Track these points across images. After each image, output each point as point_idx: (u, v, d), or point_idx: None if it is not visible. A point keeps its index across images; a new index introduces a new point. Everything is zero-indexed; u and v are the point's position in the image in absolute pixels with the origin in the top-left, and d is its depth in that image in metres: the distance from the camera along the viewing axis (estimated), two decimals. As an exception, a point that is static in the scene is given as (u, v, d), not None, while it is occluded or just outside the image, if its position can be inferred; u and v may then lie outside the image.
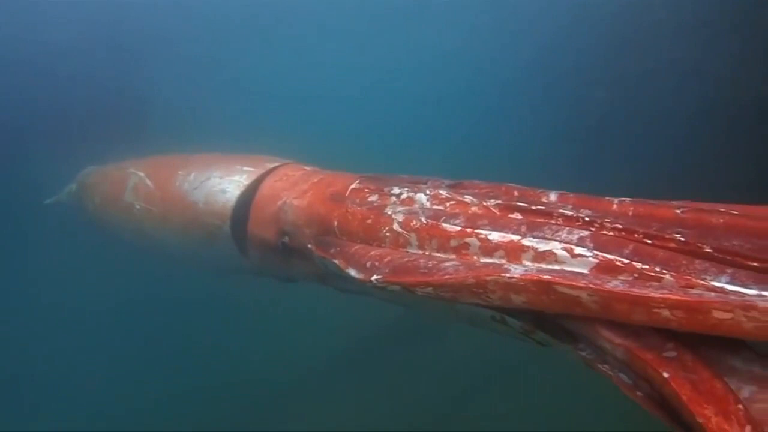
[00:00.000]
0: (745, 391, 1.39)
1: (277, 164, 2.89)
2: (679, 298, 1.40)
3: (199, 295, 4.23)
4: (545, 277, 1.59)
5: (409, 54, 6.75)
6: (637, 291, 1.46)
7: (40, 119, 5.30)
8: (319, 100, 6.48)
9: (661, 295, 1.42)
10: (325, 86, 6.66)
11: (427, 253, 2.02)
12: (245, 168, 2.88)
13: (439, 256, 1.97)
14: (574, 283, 1.54)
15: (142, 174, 3.32)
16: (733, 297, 1.38)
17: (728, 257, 1.54)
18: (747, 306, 1.32)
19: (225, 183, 2.86)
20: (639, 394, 1.50)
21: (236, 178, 2.85)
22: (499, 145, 5.88)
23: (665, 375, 1.40)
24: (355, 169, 2.65)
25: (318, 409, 4.04)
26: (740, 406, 1.31)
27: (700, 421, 1.29)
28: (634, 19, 5.96)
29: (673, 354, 1.44)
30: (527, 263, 1.77)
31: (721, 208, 1.71)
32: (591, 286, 1.52)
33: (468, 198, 2.13)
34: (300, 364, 4.28)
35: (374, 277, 1.99)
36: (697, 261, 1.55)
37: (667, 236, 1.65)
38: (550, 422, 3.71)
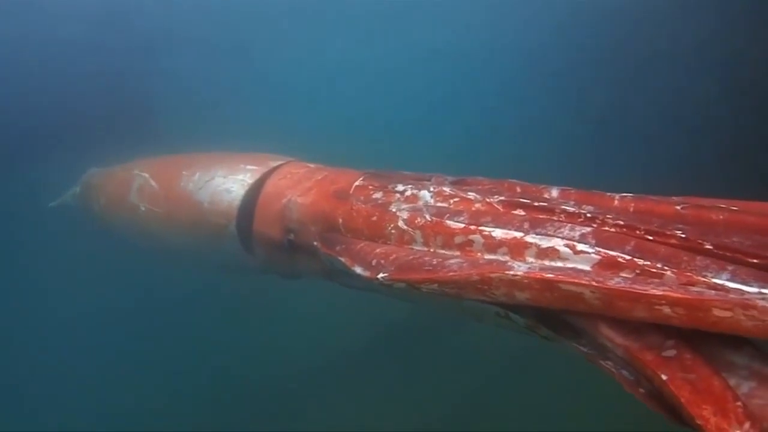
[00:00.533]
0: (744, 387, 1.41)
1: (280, 162, 2.90)
2: (679, 295, 1.42)
3: (203, 296, 4.22)
4: (548, 275, 1.61)
5: (412, 51, 6.71)
6: (638, 288, 1.49)
7: (43, 120, 5.27)
8: (321, 97, 6.45)
9: (662, 293, 1.44)
10: (327, 83, 6.63)
11: (431, 250, 2.05)
12: (249, 167, 2.90)
13: (444, 253, 2.00)
14: (576, 281, 1.57)
15: (146, 175, 3.32)
16: (733, 295, 1.40)
17: (729, 254, 1.56)
18: (746, 305, 1.34)
19: (229, 182, 2.87)
20: (641, 391, 1.52)
21: (240, 177, 2.86)
22: (502, 140, 5.86)
23: (663, 377, 1.42)
24: (359, 165, 2.66)
25: (325, 409, 4.02)
26: (739, 404, 1.33)
27: (699, 422, 1.32)
28: (637, 10, 5.95)
29: (672, 352, 1.46)
30: (530, 260, 1.79)
31: (722, 204, 1.73)
32: (593, 283, 1.54)
33: (471, 195, 2.16)
34: (304, 364, 4.26)
35: (380, 275, 2.02)
36: (698, 258, 1.57)
37: (668, 233, 1.66)
38: (567, 419, 3.71)
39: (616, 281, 1.54)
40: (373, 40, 6.85)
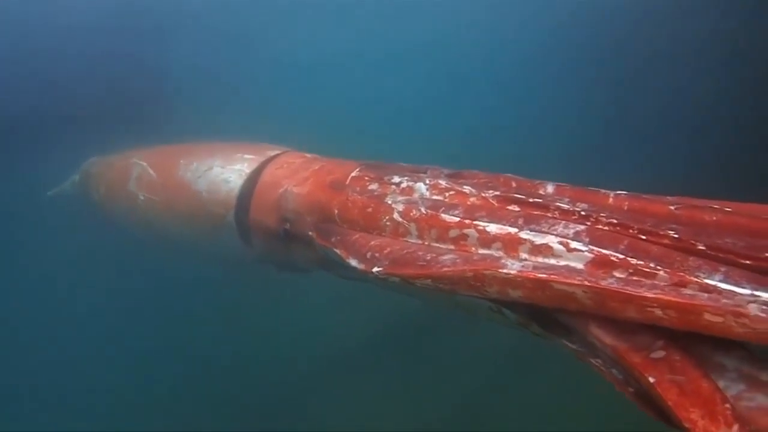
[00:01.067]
0: (733, 390, 1.41)
1: (277, 152, 2.90)
2: (671, 299, 1.42)
3: (202, 293, 4.19)
4: (541, 274, 1.62)
5: (414, 49, 6.65)
6: (630, 290, 1.49)
7: (43, 108, 5.23)
8: (321, 91, 6.40)
9: (654, 295, 1.44)
10: (329, 74, 6.59)
11: (426, 243, 2.05)
12: (246, 156, 2.90)
13: (438, 247, 2.00)
14: (569, 281, 1.57)
15: (144, 164, 3.33)
16: (725, 300, 1.39)
17: (721, 255, 1.56)
18: (738, 313, 1.34)
19: (227, 172, 2.87)
20: (630, 390, 1.53)
21: (238, 166, 2.86)
22: (502, 139, 5.81)
23: (651, 380, 1.42)
24: (359, 156, 2.65)
25: (324, 408, 3.96)
26: (727, 405, 1.33)
27: (687, 425, 1.32)
28: (638, 10, 5.91)
29: (661, 354, 1.46)
30: (524, 256, 1.79)
31: (715, 205, 1.72)
32: (586, 283, 1.55)
33: (467, 188, 2.15)
34: (303, 363, 4.20)
35: (375, 269, 2.03)
36: (691, 258, 1.56)
37: (661, 232, 1.66)
38: (567, 419, 3.69)
39: (609, 281, 1.55)
40: (374, 36, 6.81)
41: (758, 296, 1.40)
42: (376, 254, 2.06)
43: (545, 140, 5.85)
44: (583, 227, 1.76)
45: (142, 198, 3.25)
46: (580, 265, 1.67)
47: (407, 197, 2.22)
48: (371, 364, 4.26)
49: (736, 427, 1.29)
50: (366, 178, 2.41)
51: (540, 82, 6.26)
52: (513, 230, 1.85)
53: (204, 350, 4.23)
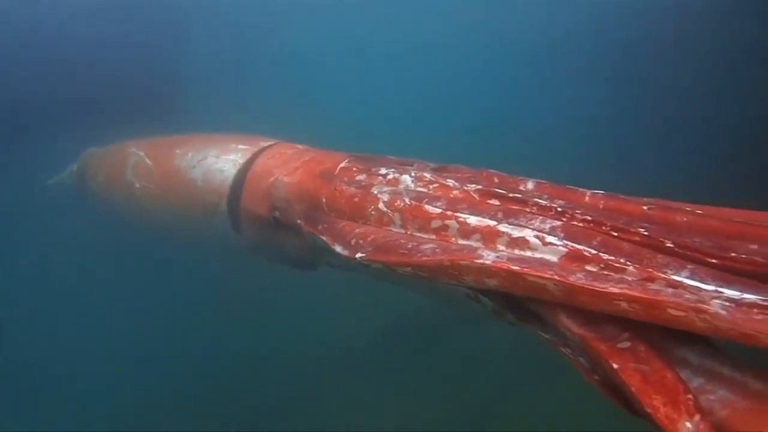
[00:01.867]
0: (694, 383, 1.45)
1: (271, 143, 2.96)
2: (636, 294, 1.47)
3: (205, 291, 4.16)
4: (514, 266, 1.67)
5: (419, 46, 6.69)
6: (598, 285, 1.54)
7: (44, 96, 5.24)
8: (324, 86, 6.43)
9: (619, 290, 1.50)
10: (329, 73, 6.62)
11: (408, 232, 2.11)
12: (240, 146, 2.96)
13: (420, 236, 2.06)
14: (541, 275, 1.62)
15: (141, 153, 3.39)
16: (688, 295, 1.44)
17: (689, 253, 1.60)
18: (700, 309, 1.39)
19: (221, 162, 2.94)
20: (596, 378, 1.59)
21: (232, 156, 2.92)
22: (502, 139, 5.83)
23: (615, 366, 1.47)
24: (356, 150, 2.69)
25: (326, 408, 3.94)
26: (690, 396, 1.37)
27: (649, 410, 1.36)
28: (640, 10, 5.95)
29: (627, 344, 1.51)
30: (501, 248, 1.84)
31: (687, 207, 1.77)
32: (556, 277, 1.60)
33: (450, 182, 2.21)
34: (304, 363, 4.15)
35: (358, 255, 2.08)
36: (659, 255, 1.61)
37: (632, 230, 1.71)
38: (567, 419, 3.71)
39: (578, 276, 1.60)
40: (374, 35, 6.83)
41: (722, 292, 1.45)
42: (360, 241, 2.12)
43: (545, 141, 5.87)
44: (559, 223, 1.81)
45: (138, 187, 3.31)
46: (554, 259, 1.73)
47: (393, 188, 2.27)
48: (371, 364, 4.25)
49: (698, 417, 1.33)
50: (354, 169, 2.46)
51: (540, 83, 6.29)
52: (492, 223, 1.90)
53: (203, 350, 4.21)
